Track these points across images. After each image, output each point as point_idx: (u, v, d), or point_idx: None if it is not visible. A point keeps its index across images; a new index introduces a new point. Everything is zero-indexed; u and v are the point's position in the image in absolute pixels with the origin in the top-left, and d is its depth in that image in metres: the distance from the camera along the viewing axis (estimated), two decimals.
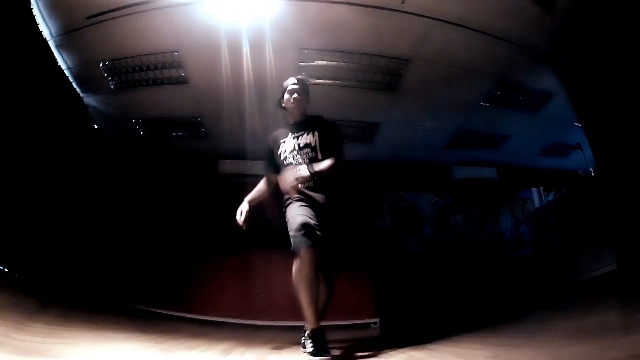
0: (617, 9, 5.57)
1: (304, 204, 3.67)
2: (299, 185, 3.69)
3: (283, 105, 4.31)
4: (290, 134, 4.09)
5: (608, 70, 5.86)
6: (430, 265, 10.14)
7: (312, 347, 3.10)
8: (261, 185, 4.32)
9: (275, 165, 4.12)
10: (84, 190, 7.52)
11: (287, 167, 3.87)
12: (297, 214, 3.51)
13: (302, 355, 3.38)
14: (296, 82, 4.21)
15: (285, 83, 4.26)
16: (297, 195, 3.72)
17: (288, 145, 4.02)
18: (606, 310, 3.30)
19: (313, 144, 3.94)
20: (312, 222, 3.42)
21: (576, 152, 8.96)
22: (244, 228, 3.91)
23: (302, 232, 3.33)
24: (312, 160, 3.85)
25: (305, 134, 4.00)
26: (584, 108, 6.60)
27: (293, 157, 3.92)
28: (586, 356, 1.95)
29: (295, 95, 4.15)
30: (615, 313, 3.02)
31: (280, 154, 4.04)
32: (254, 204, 4.18)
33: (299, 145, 3.96)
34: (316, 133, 4.00)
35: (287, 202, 3.79)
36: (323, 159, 3.83)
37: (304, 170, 3.67)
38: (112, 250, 7.58)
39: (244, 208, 4.07)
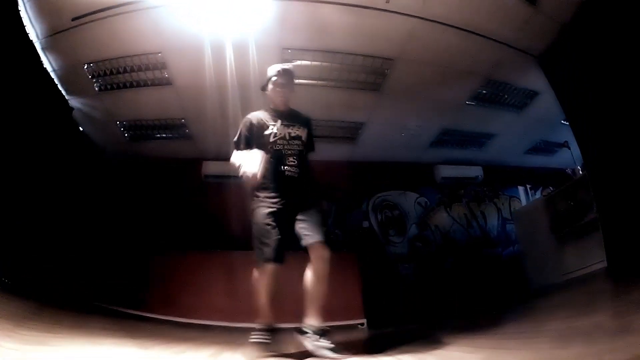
0: (607, 8, 5.55)
1: (271, 207, 3.73)
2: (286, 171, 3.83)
3: (267, 92, 4.29)
4: (278, 120, 4.08)
5: (596, 68, 5.86)
6: (417, 266, 10.14)
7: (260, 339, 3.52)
8: (257, 152, 3.86)
9: (251, 144, 4.02)
10: (66, 193, 7.45)
11: (275, 152, 3.89)
12: (263, 223, 3.65)
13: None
14: (282, 71, 4.19)
15: (271, 71, 4.23)
16: (264, 196, 3.82)
17: (279, 130, 4.01)
18: (598, 310, 3.26)
19: (303, 138, 4.06)
20: (275, 235, 3.55)
21: (563, 150, 8.97)
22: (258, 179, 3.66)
23: (266, 247, 3.52)
24: (300, 153, 3.97)
25: (296, 127, 4.08)
26: (572, 106, 6.59)
27: (283, 145, 3.93)
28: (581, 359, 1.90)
29: (280, 86, 4.16)
30: (607, 313, 2.99)
31: (269, 135, 3.98)
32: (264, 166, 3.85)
33: (289, 134, 4.00)
34: (305, 129, 4.13)
35: (256, 203, 3.85)
36: (306, 154, 4.09)
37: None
38: (95, 252, 7.50)
39: (254, 168, 3.55)
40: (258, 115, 4.16)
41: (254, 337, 3.55)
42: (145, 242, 8.40)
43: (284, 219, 3.71)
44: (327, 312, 6.33)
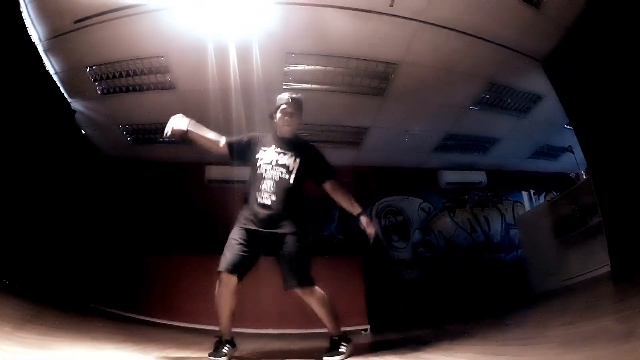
0: (610, 12, 5.54)
1: (241, 225, 3.86)
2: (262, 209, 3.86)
3: (274, 119, 4.27)
4: (274, 145, 4.12)
5: (599, 72, 5.84)
6: (421, 271, 10.12)
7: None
8: (213, 137, 4.25)
9: (240, 152, 4.20)
10: (67, 195, 7.46)
11: (255, 176, 4.00)
12: (230, 237, 3.83)
13: None
14: (291, 100, 4.17)
15: (280, 99, 4.22)
16: (241, 213, 3.97)
17: (268, 155, 4.06)
18: (602, 314, 3.24)
19: (290, 168, 3.99)
20: (236, 250, 3.70)
21: (566, 154, 8.96)
22: (167, 137, 4.05)
23: (224, 257, 3.68)
24: (282, 181, 3.92)
25: (288, 156, 4.04)
26: (575, 110, 6.57)
27: (265, 170, 3.96)
28: None
29: (288, 115, 4.14)
30: (611, 317, 2.96)
31: (257, 159, 4.06)
32: (194, 136, 4.20)
33: (276, 161, 4.00)
34: (298, 160, 4.05)
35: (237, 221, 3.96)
36: (293, 185, 3.94)
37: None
38: (96, 255, 7.50)
39: (184, 123, 4.16)
40: (259, 138, 4.26)
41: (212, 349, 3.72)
42: (147, 245, 8.41)
43: (253, 240, 3.80)
44: None
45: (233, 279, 3.63)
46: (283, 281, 3.78)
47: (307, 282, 3.77)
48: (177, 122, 4.11)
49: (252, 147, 4.16)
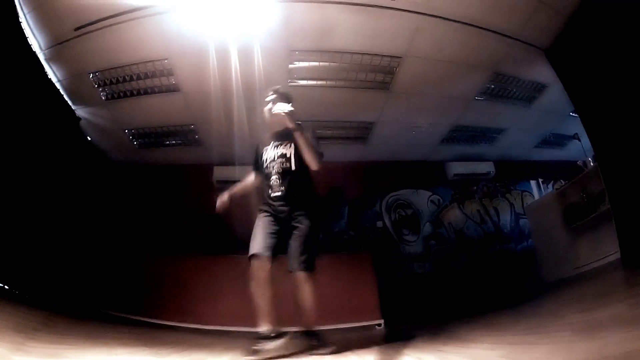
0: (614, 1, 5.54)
1: (260, 217, 4.03)
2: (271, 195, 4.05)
3: (266, 119, 4.35)
4: (272, 142, 4.26)
5: (604, 58, 5.82)
6: (433, 264, 10.12)
7: None
8: (247, 180, 4.48)
9: (259, 168, 4.34)
10: (75, 202, 7.49)
11: (264, 175, 4.17)
12: (256, 226, 3.96)
13: None
14: (271, 93, 4.29)
15: (266, 95, 4.33)
16: (265, 208, 4.07)
17: (269, 154, 4.20)
18: (614, 301, 3.25)
19: (288, 155, 4.10)
20: (260, 234, 3.83)
21: (573, 142, 8.95)
22: (219, 212, 4.24)
23: (251, 244, 3.79)
24: (286, 170, 4.05)
25: (283, 145, 4.17)
26: (581, 97, 6.56)
27: (270, 166, 4.12)
28: (602, 352, 1.89)
29: (269, 106, 4.19)
30: (623, 304, 2.97)
31: (263, 162, 4.22)
32: (236, 195, 4.42)
33: (276, 154, 4.14)
34: (292, 145, 4.12)
35: (258, 213, 4.09)
36: (297, 169, 4.05)
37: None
38: (107, 259, 7.52)
39: (224, 195, 4.34)
40: (262, 141, 4.39)
41: (255, 346, 3.67)
42: (156, 247, 8.45)
43: (275, 223, 3.96)
44: (343, 314, 6.34)
45: (266, 262, 3.69)
46: (290, 262, 3.83)
47: (311, 266, 3.81)
48: (220, 201, 4.36)
49: (259, 154, 4.31)
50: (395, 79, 7.73)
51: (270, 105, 4.17)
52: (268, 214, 4.00)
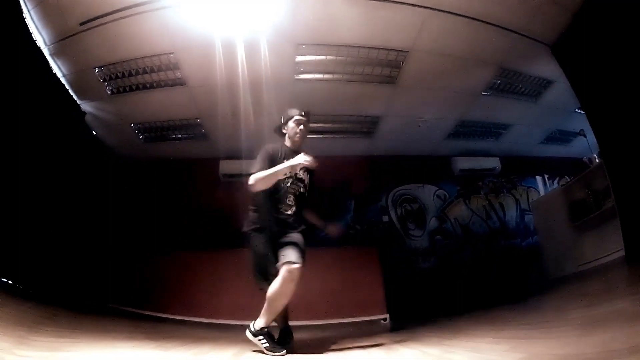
0: None
1: (263, 236, 4.16)
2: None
3: (284, 131, 4.58)
4: (291, 159, 4.21)
5: (610, 54, 5.81)
6: (438, 258, 10.13)
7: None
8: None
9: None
10: (81, 196, 7.51)
11: (279, 188, 4.22)
12: (259, 251, 4.14)
13: (321, 358, 3.38)
14: (304, 114, 4.51)
15: (291, 112, 4.53)
16: (258, 227, 4.22)
17: None
18: (618, 298, 3.25)
19: (306, 182, 4.42)
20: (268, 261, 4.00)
21: (579, 138, 8.94)
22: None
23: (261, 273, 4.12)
24: (301, 195, 4.36)
25: (303, 171, 4.36)
26: (586, 94, 6.55)
27: (288, 183, 4.25)
28: (607, 346, 1.90)
29: (302, 127, 4.46)
30: (627, 300, 2.98)
31: None
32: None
33: (296, 175, 4.30)
34: (309, 176, 4.47)
35: (252, 231, 4.25)
36: (307, 196, 4.47)
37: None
38: (112, 253, 7.60)
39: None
40: (275, 148, 4.38)
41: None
42: (163, 241, 8.50)
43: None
44: (349, 308, 6.37)
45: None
46: (281, 258, 3.87)
47: (303, 259, 3.86)
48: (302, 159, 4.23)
49: (270, 161, 4.23)
50: (401, 73, 7.71)
51: (299, 126, 4.44)
52: (264, 232, 4.15)
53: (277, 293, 3.75)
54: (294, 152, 4.29)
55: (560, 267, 7.51)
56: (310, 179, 4.47)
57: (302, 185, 4.36)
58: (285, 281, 3.72)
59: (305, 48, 7.03)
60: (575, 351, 1.97)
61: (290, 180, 4.25)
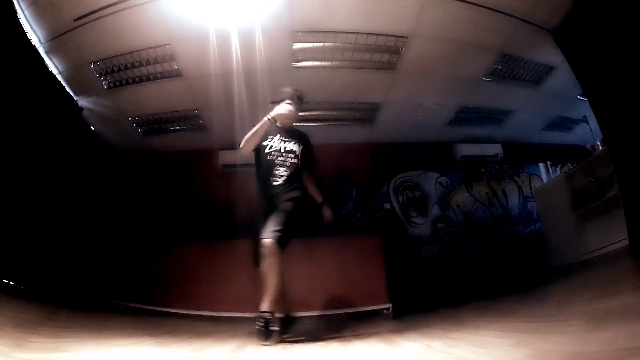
0: None
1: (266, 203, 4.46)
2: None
3: (277, 107, 4.75)
4: (278, 135, 4.71)
5: (611, 40, 5.75)
6: (441, 246, 10.10)
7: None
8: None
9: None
10: (79, 192, 7.50)
11: (267, 161, 4.57)
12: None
13: (322, 351, 3.31)
14: (294, 95, 4.79)
15: (285, 92, 4.81)
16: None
17: (275, 143, 4.66)
18: (623, 290, 3.20)
19: (297, 152, 4.66)
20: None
21: (581, 125, 8.88)
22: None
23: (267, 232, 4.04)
24: (293, 165, 4.60)
25: (292, 142, 4.70)
26: (589, 80, 6.49)
27: (277, 157, 4.58)
28: (615, 344, 1.84)
29: (292, 108, 4.72)
30: (633, 293, 2.92)
31: (265, 146, 4.64)
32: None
33: (284, 148, 4.63)
34: (301, 146, 4.72)
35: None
36: (301, 165, 4.67)
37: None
38: (110, 248, 7.60)
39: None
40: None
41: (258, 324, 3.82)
42: (162, 235, 8.50)
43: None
44: (351, 298, 6.34)
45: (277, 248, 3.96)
46: (264, 231, 4.02)
47: (281, 240, 3.98)
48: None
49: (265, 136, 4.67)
50: (401, 59, 7.66)
51: (288, 106, 4.69)
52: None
53: (262, 269, 3.91)
54: (284, 132, 4.73)
55: (564, 255, 7.47)
56: (304, 150, 4.72)
57: (292, 155, 4.61)
58: (262, 256, 3.89)
59: (302, 35, 6.98)
60: (581, 348, 1.91)
61: (277, 152, 4.58)
